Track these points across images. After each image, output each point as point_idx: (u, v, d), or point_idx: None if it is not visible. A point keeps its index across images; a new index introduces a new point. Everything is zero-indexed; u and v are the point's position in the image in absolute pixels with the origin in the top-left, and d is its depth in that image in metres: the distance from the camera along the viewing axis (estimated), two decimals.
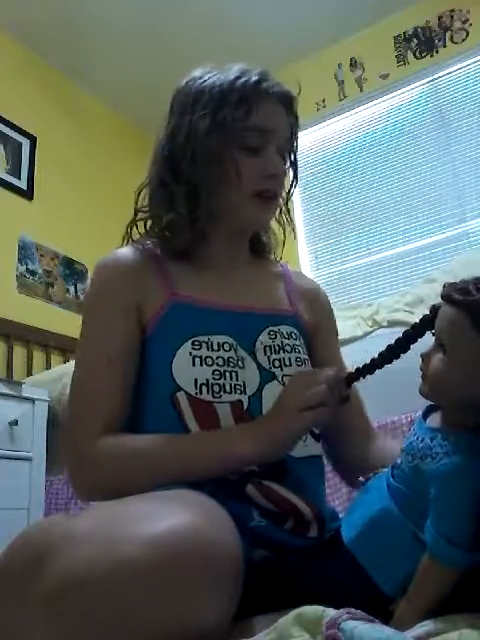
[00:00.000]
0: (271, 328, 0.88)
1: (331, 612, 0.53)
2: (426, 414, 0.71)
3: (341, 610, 0.53)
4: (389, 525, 0.67)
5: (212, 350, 0.81)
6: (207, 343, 0.82)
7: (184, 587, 0.51)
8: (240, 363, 0.83)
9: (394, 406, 1.61)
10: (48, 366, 2.99)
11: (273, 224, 1.01)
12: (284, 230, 1.01)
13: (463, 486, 0.60)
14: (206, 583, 0.52)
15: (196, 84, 0.88)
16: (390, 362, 0.73)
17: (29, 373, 2.88)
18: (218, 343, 0.82)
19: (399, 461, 0.70)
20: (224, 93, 0.84)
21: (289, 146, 0.92)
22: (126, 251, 0.91)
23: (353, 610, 0.53)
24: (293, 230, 1.01)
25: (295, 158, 0.95)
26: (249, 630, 0.62)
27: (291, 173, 0.96)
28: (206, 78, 0.88)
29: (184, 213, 0.87)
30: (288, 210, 1.00)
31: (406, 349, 0.72)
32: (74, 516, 0.59)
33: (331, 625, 0.51)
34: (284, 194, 0.95)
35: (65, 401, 2.24)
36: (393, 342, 0.73)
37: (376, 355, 0.76)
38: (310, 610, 0.54)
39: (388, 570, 0.66)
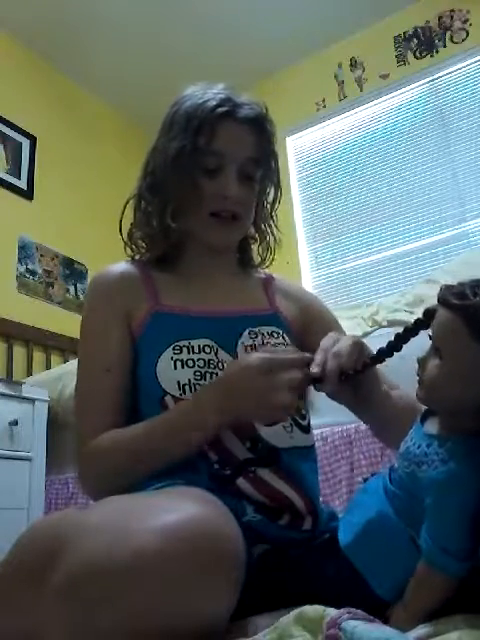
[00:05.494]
0: (252, 329, 0.90)
1: (332, 612, 0.53)
2: (424, 418, 0.70)
3: (342, 610, 0.53)
4: (385, 529, 0.67)
5: (193, 353, 0.84)
6: (188, 347, 0.84)
7: (199, 575, 0.52)
8: (220, 365, 0.85)
9: None
10: (48, 366, 2.99)
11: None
12: (269, 239, 1.03)
13: (458, 494, 0.59)
14: (219, 571, 0.53)
15: (177, 106, 0.93)
16: (373, 366, 0.74)
17: (29, 373, 2.88)
18: (199, 346, 0.85)
19: (396, 465, 0.69)
20: (189, 119, 0.89)
21: (255, 166, 0.93)
22: (118, 266, 0.97)
23: (354, 610, 0.53)
24: (276, 240, 1.04)
25: (272, 173, 0.97)
26: (249, 630, 0.62)
27: (272, 187, 0.99)
28: (186, 99, 0.92)
29: (156, 228, 0.94)
30: (273, 220, 1.03)
31: (391, 355, 0.72)
32: (84, 510, 0.60)
33: (332, 625, 0.51)
34: (268, 207, 1.00)
35: (65, 401, 2.24)
36: (382, 347, 0.72)
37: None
38: (311, 610, 0.54)
39: (384, 574, 0.66)
